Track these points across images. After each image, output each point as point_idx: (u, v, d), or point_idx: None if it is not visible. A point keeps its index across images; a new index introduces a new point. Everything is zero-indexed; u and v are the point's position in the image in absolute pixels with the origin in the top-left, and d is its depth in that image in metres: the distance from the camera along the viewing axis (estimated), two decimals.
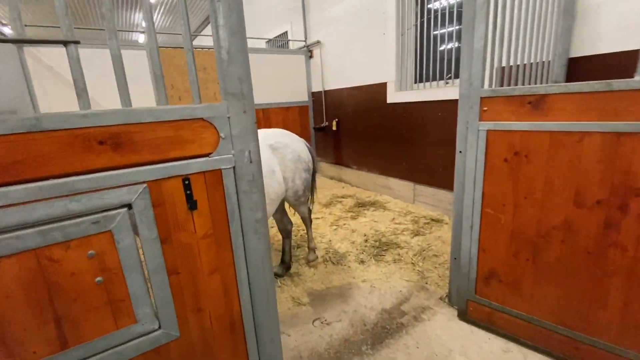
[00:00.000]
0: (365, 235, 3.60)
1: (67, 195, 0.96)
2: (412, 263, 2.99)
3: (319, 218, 4.19)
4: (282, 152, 2.50)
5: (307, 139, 6.24)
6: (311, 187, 3.02)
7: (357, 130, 5.21)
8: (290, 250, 3.00)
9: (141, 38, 13.49)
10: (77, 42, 0.99)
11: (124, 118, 1.02)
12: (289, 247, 2.96)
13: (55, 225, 0.96)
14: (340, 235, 3.65)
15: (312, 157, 2.93)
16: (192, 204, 1.17)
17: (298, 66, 5.85)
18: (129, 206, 1.06)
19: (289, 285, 2.76)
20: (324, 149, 6.10)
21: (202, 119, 1.15)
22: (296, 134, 6.40)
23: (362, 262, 3.06)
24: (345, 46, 5.03)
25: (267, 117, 5.65)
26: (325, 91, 5.70)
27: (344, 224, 3.94)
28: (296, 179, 2.60)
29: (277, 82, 5.65)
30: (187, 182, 1.15)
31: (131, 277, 1.10)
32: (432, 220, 3.88)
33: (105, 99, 4.37)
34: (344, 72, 5.21)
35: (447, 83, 3.90)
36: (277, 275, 2.86)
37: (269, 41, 7.48)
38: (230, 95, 1.17)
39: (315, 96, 6.02)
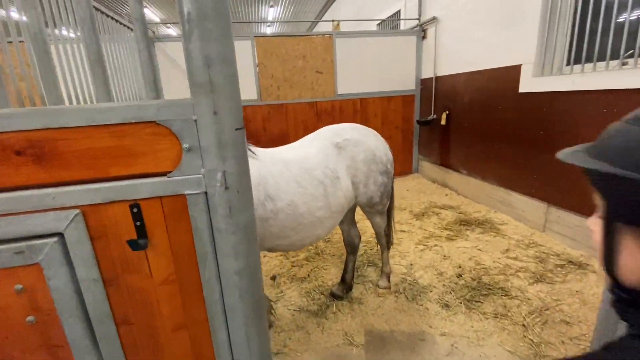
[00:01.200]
0: (460, 267, 2.78)
1: None
2: (524, 325, 2.09)
3: (404, 231, 3.52)
4: (351, 152, 2.00)
5: (409, 134, 5.45)
6: (391, 196, 2.43)
7: (472, 127, 4.16)
8: (354, 269, 2.52)
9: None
10: None
11: (45, 120, 0.74)
12: (353, 265, 2.49)
13: None
14: (426, 260, 2.93)
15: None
16: (143, 240, 0.85)
17: (407, 49, 5.06)
18: (61, 236, 0.81)
19: (345, 314, 2.30)
20: (428, 146, 5.20)
21: (154, 122, 0.79)
22: (397, 127, 5.69)
23: (446, 305, 2.32)
24: (467, 20, 4.00)
25: (364, 108, 5.13)
26: (436, 77, 4.76)
27: (435, 245, 3.17)
28: (370, 184, 2.07)
29: (381, 68, 5.03)
30: (135, 209, 0.83)
31: (68, 322, 0.87)
32: (570, 262, 2.71)
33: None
34: (462, 54, 4.19)
35: (624, 64, 2.57)
36: (334, 296, 2.45)
37: (380, 23, 6.81)
38: (196, 87, 0.77)
39: (424, 84, 5.14)
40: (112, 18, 3.36)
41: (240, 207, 0.86)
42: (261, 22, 7.62)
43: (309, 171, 1.80)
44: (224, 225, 0.86)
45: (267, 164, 1.73)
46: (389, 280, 2.55)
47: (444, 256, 2.96)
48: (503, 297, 2.36)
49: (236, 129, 0.81)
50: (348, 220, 2.47)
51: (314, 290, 2.58)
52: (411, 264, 2.87)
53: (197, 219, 0.85)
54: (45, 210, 0.79)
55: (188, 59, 0.75)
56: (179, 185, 0.83)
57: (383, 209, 2.27)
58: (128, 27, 3.76)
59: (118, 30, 3.58)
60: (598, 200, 0.52)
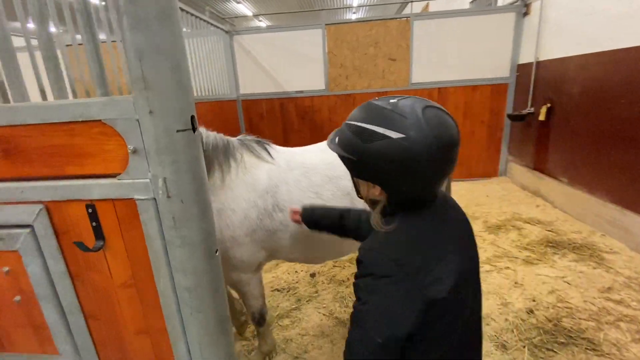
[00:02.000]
0: (534, 300, 2.24)
1: None
2: None
3: None
4: None
5: (497, 130, 4.64)
6: None
7: (582, 124, 3.28)
8: None
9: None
10: None
11: (7, 117, 0.76)
12: None
13: None
14: (491, 284, 2.44)
15: None
16: (100, 240, 0.83)
17: (502, 29, 4.24)
18: (32, 228, 0.84)
19: None
20: (520, 145, 4.34)
21: (100, 121, 0.74)
22: (483, 121, 4.88)
23: (503, 346, 1.88)
24: None
25: (443, 98, 4.54)
26: (538, 62, 3.88)
27: (506, 268, 2.63)
28: None
29: (467, 53, 4.35)
30: (90, 210, 0.81)
31: (46, 308, 0.92)
32: None
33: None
34: (575, 32, 3.29)
35: None
36: None
37: (473, 1, 5.90)
38: (133, 83, 0.69)
39: (521, 70, 4.26)
40: (192, 14, 3.64)
41: (186, 219, 0.76)
42: (345, 8, 7.46)
43: (334, 180, 1.56)
44: (169, 237, 0.78)
45: (282, 170, 1.56)
46: None
47: (516, 283, 2.43)
48: (589, 351, 1.80)
49: (178, 131, 0.71)
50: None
51: (349, 297, 2.41)
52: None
53: (148, 226, 0.79)
54: (16, 203, 0.82)
55: (126, 49, 0.67)
56: (128, 188, 0.77)
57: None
58: (208, 23, 4.04)
59: (198, 25, 3.87)
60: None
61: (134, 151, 0.74)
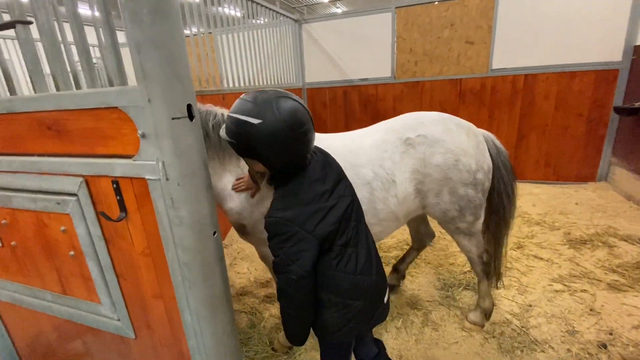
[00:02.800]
0: (611, 333, 1.85)
1: (39, 173, 1.04)
2: None
3: (540, 258, 2.61)
4: (423, 153, 1.58)
5: (600, 126, 3.83)
6: (502, 215, 1.85)
7: None
8: (411, 262, 2.37)
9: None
10: (28, 23, 0.95)
11: (55, 103, 0.91)
12: (412, 259, 2.35)
13: (39, 196, 1.08)
14: (557, 307, 2.09)
15: (500, 161, 1.77)
16: (123, 212, 0.95)
17: (617, 3, 3.42)
18: (77, 196, 1.01)
19: (410, 335, 1.96)
20: (629, 145, 3.50)
21: (117, 108, 0.83)
22: (581, 114, 4.06)
23: None
24: None
25: (530, 87, 3.91)
26: None
27: (583, 291, 2.21)
28: (444, 194, 1.63)
29: (567, 32, 3.64)
30: (115, 185, 0.93)
31: (90, 264, 1.10)
32: None
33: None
34: None
35: None
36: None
37: None
38: (136, 73, 0.76)
39: (638, 54, 3.40)
40: (262, 5, 3.80)
41: (182, 200, 0.82)
42: None
43: (355, 167, 1.54)
44: (171, 215, 0.85)
45: None
46: (486, 317, 2.00)
47: (591, 310, 2.03)
48: None
49: (173, 119, 0.76)
50: (418, 219, 2.12)
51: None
52: (530, 305, 2.13)
53: (157, 203, 0.88)
54: (66, 175, 0.99)
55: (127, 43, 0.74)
56: (141, 169, 0.87)
57: (469, 228, 1.75)
58: (278, 13, 4.18)
59: (269, 15, 4.03)
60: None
61: (143, 135, 0.82)
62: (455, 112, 4.50)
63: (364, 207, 1.50)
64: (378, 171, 1.55)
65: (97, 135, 0.90)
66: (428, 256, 2.78)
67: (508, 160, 1.80)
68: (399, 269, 2.33)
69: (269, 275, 2.61)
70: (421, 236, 2.21)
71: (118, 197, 0.94)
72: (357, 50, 4.56)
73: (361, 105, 4.80)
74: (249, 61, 3.78)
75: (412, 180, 1.59)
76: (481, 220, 1.77)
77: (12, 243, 1.22)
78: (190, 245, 0.86)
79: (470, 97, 4.22)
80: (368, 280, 1.11)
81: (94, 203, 0.99)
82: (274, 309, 2.27)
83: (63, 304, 1.24)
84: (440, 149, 1.57)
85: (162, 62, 0.72)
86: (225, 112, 1.52)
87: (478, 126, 1.81)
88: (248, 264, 2.91)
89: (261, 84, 4.00)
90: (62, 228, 1.09)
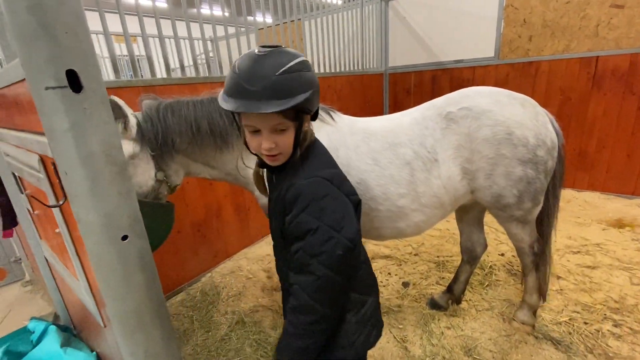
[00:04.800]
0: None
1: (21, 148, 1.04)
2: None
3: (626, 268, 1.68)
4: (467, 126, 1.34)
5: None
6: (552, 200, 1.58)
7: None
8: (467, 281, 1.96)
9: None
10: None
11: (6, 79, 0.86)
12: (467, 276, 1.93)
13: (33, 172, 1.10)
14: None
15: (558, 139, 1.46)
16: (64, 198, 0.86)
17: None
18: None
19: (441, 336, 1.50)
20: None
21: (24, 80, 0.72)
22: None
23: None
24: None
25: (601, 75, 2.57)
26: None
27: None
28: (497, 175, 1.36)
29: None
30: (54, 165, 0.84)
31: (66, 241, 1.08)
32: None
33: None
34: None
35: None
36: (434, 305, 2.00)
37: None
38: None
39: None
40: None
41: (75, 194, 0.66)
42: None
43: (393, 147, 1.38)
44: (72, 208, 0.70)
45: (343, 133, 1.42)
46: (534, 315, 1.78)
47: None
48: None
49: (47, 88, 0.59)
50: (471, 220, 1.82)
51: (438, 331, 1.85)
52: (616, 301, 1.38)
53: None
54: (29, 151, 0.96)
55: None
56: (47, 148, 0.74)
57: (525, 216, 1.50)
58: None
59: None
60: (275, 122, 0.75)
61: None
62: (584, 103, 3.37)
63: (402, 190, 1.34)
64: (418, 150, 1.36)
65: (18, 110, 0.82)
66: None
67: (563, 148, 1.50)
68: (454, 290, 1.96)
69: None
70: (471, 245, 1.85)
71: (58, 179, 0.85)
72: (452, 27, 3.84)
73: (452, 90, 4.04)
74: (331, 46, 3.62)
75: (456, 157, 1.36)
76: (540, 206, 1.51)
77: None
78: (91, 248, 0.71)
79: (612, 82, 3.07)
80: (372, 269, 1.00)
81: (51, 183, 0.94)
82: None
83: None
84: (488, 122, 1.32)
85: (23, 11, 0.55)
86: None
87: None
88: None
89: (340, 69, 3.79)
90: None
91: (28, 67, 0.58)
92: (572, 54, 3.22)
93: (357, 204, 0.87)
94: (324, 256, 0.75)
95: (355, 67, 4.03)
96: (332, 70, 3.68)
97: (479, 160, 1.35)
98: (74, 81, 0.61)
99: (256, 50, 0.73)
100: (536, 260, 1.67)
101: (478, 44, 3.71)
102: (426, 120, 1.40)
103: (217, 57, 2.66)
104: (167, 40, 2.54)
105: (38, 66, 0.58)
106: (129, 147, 1.12)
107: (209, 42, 3.38)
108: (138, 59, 2.14)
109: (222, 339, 1.98)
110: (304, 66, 0.74)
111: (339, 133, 1.41)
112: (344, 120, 1.48)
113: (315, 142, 0.89)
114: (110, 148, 0.68)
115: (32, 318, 1.90)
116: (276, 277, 2.24)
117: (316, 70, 3.47)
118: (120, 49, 6.03)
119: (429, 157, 1.35)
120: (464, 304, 2.00)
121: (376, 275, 1.03)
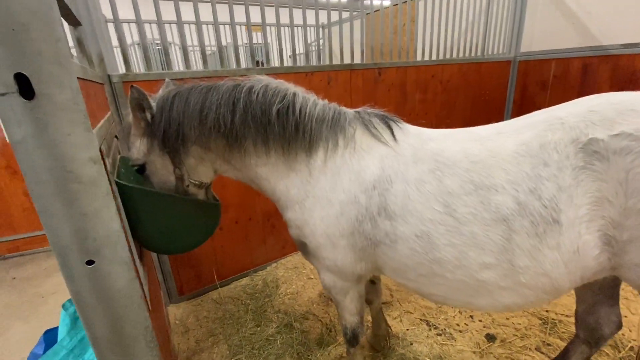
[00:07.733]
0: None
1: None
2: None
3: None
4: (625, 168, 0.81)
5: None
6: None
7: None
8: None
9: None
10: None
11: None
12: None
13: None
14: None
15: None
16: None
17: None
18: None
19: None
20: None
21: None
22: None
23: None
24: None
25: None
26: None
27: None
28: None
29: None
30: None
31: None
32: None
33: None
34: None
35: None
36: None
37: None
38: None
39: None
40: None
41: (42, 209, 0.59)
42: None
43: (482, 191, 0.94)
44: None
45: (404, 160, 1.08)
46: None
47: None
48: None
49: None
50: (599, 287, 1.22)
51: None
52: None
53: None
54: None
55: None
56: None
57: None
58: None
59: None
60: None
61: None
62: None
63: (489, 259, 0.93)
64: (526, 201, 0.90)
65: None
66: None
67: None
68: None
69: None
70: (597, 321, 1.26)
71: None
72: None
73: (614, 87, 2.97)
74: (448, 29, 3.12)
75: (595, 219, 0.87)
76: None
77: None
78: (61, 270, 0.64)
79: None
80: None
81: None
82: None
83: None
84: None
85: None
86: (304, 93, 1.21)
87: None
88: None
89: (455, 56, 3.24)
90: None
91: None
92: None
93: None
94: None
95: (473, 54, 3.34)
96: (445, 57, 3.15)
97: (636, 226, 0.82)
98: (26, 87, 0.52)
99: None
100: None
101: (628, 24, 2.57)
102: (547, 150, 0.89)
103: (329, 44, 2.59)
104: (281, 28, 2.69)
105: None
106: (142, 144, 1.09)
107: (320, 29, 3.33)
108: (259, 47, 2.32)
109: (268, 339, 1.94)
110: None
111: (397, 159, 1.08)
112: (409, 139, 1.12)
113: None
114: (72, 164, 0.58)
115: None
116: None
117: (425, 58, 3.03)
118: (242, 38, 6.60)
119: (544, 214, 0.88)
120: None
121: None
